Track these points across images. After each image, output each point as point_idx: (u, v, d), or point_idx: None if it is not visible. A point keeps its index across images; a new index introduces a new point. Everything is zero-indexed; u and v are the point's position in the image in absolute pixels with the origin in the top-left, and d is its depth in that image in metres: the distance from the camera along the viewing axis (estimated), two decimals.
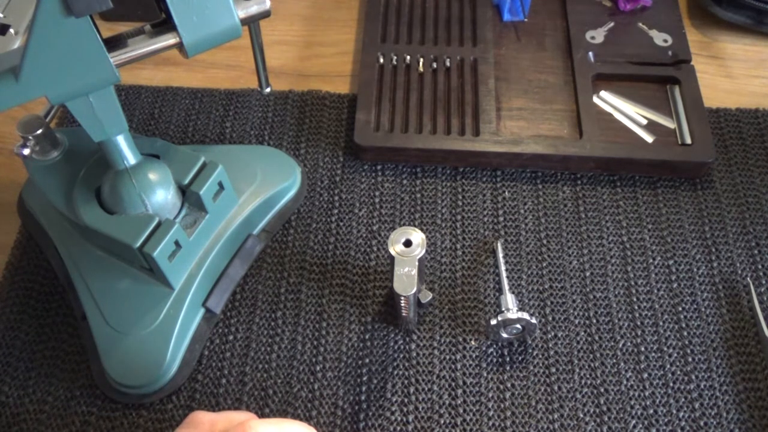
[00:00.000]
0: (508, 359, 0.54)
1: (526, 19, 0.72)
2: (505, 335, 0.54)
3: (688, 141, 0.63)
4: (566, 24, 0.71)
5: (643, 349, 0.55)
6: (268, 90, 0.55)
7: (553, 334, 0.55)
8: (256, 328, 0.56)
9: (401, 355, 0.55)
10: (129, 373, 0.52)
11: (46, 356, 0.55)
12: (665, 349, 0.55)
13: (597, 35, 0.70)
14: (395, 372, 0.54)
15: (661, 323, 0.56)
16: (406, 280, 0.48)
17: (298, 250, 0.60)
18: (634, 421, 0.52)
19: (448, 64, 0.68)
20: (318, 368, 0.54)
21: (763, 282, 0.58)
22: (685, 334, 0.55)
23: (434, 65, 0.68)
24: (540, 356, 0.55)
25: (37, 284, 0.58)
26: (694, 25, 0.75)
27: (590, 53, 0.68)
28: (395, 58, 0.68)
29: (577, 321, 0.56)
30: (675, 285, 0.58)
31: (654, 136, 0.64)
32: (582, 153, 0.62)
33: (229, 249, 0.57)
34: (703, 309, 0.56)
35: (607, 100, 0.66)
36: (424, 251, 0.49)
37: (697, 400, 0.53)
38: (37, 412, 0.53)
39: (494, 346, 0.55)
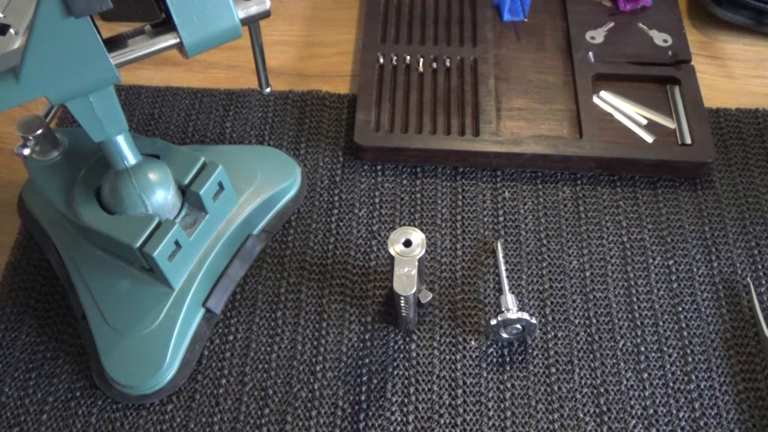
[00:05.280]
0: (508, 359, 0.54)
1: (526, 19, 0.72)
2: (505, 335, 0.54)
3: (688, 141, 0.63)
4: (566, 24, 0.71)
5: (643, 349, 0.55)
6: (268, 90, 0.55)
7: (553, 334, 0.55)
8: (256, 328, 0.56)
9: (401, 355, 0.55)
10: (129, 373, 0.52)
11: (46, 356, 0.55)
12: (665, 349, 0.55)
13: (597, 35, 0.70)
14: (395, 372, 0.54)
15: (661, 323, 0.56)
16: (406, 280, 0.48)
17: (298, 250, 0.60)
18: (634, 421, 0.52)
19: (448, 64, 0.68)
20: (318, 368, 0.54)
21: (763, 282, 0.58)
22: (685, 334, 0.55)
23: (434, 65, 0.68)
24: (540, 356, 0.55)
25: (37, 284, 0.58)
26: (694, 25, 0.75)
27: (590, 53, 0.68)
28: (395, 58, 0.68)
29: (577, 321, 0.56)
30: (675, 285, 0.58)
31: (654, 136, 0.64)
32: (582, 153, 0.62)
33: (229, 249, 0.57)
34: (703, 309, 0.56)
35: (607, 100, 0.66)
36: (423, 251, 0.49)
37: (697, 400, 0.53)
38: (37, 412, 0.53)
39: (494, 346, 0.55)
